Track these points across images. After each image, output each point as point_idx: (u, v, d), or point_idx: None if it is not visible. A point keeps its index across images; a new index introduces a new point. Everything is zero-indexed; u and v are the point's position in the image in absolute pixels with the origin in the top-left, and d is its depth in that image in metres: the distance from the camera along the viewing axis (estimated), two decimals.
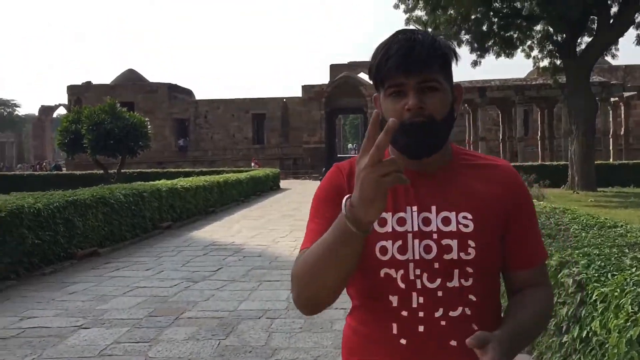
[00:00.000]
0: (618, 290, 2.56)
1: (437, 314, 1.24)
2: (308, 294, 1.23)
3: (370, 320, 1.30)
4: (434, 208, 1.28)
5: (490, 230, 1.28)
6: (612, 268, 2.88)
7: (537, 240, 1.36)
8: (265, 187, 25.74)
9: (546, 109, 34.60)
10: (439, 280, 1.25)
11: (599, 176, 20.85)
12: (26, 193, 9.28)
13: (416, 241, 1.26)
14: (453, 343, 1.24)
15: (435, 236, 1.26)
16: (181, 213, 14.08)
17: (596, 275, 2.86)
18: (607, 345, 2.56)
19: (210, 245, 10.51)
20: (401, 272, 1.25)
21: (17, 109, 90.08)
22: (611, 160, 30.17)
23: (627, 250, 3.28)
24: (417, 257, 1.25)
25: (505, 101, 33.74)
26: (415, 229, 1.27)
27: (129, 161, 26.28)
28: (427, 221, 1.27)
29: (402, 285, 1.25)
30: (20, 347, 4.78)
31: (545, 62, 22.70)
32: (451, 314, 1.25)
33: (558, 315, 3.18)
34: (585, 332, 2.81)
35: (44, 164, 43.16)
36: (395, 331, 1.25)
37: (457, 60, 1.32)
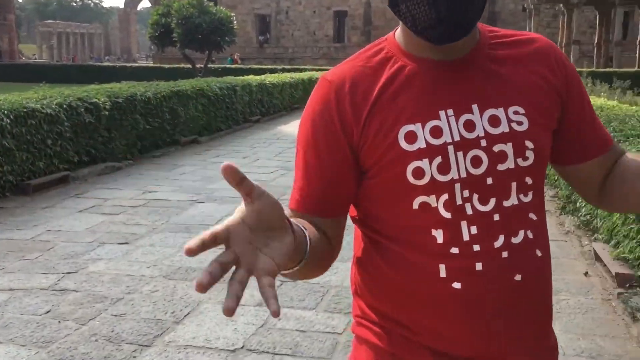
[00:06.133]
0: None
1: (496, 244, 0.95)
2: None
3: (405, 266, 0.99)
4: (475, 107, 0.96)
5: (546, 125, 1.00)
6: None
7: (600, 123, 1.09)
8: None
9: None
10: (493, 201, 0.96)
11: None
12: (135, 82, 10.07)
13: (459, 154, 0.95)
14: (517, 277, 0.96)
15: (483, 143, 0.95)
16: (268, 108, 14.71)
17: None
18: None
19: None
20: (444, 197, 0.95)
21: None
22: None
23: None
24: (463, 174, 0.95)
25: (605, 1, 31.43)
26: (457, 138, 0.95)
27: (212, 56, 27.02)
28: (470, 125, 0.96)
29: (447, 215, 0.95)
30: (149, 214, 5.60)
31: None
32: (513, 240, 0.96)
33: None
34: None
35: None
36: (444, 274, 0.96)
37: None
